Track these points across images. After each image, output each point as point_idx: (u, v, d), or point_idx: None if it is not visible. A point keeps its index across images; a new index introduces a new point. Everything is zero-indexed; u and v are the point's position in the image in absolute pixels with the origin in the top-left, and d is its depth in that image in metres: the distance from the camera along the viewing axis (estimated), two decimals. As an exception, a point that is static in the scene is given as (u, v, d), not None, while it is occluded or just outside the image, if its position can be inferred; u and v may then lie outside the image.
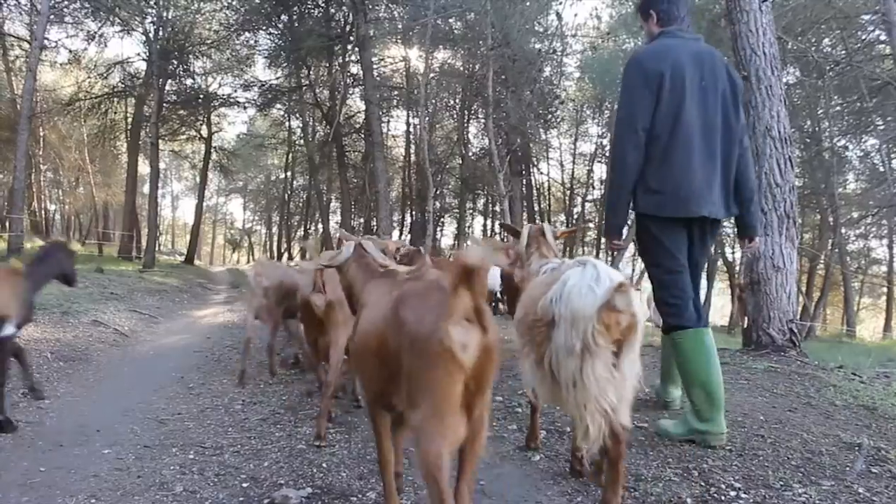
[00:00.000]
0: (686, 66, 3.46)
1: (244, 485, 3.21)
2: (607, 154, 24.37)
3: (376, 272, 2.92)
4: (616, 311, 2.46)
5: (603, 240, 23.13)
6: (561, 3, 16.14)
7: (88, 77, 22.40)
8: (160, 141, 22.40)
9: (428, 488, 1.91)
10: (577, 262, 2.76)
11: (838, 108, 18.27)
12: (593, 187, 25.74)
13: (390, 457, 2.62)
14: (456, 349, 1.90)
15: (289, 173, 32.43)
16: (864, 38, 15.78)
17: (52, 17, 17.61)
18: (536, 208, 25.46)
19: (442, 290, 2.05)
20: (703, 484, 3.08)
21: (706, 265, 3.67)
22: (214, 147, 27.30)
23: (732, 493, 2.95)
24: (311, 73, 22.97)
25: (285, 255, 32.59)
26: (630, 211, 3.71)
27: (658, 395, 4.32)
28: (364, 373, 2.55)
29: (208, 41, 22.39)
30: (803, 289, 20.14)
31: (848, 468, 3.20)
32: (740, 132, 3.60)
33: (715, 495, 2.95)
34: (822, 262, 21.15)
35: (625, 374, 2.58)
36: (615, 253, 3.20)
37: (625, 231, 3.95)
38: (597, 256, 26.13)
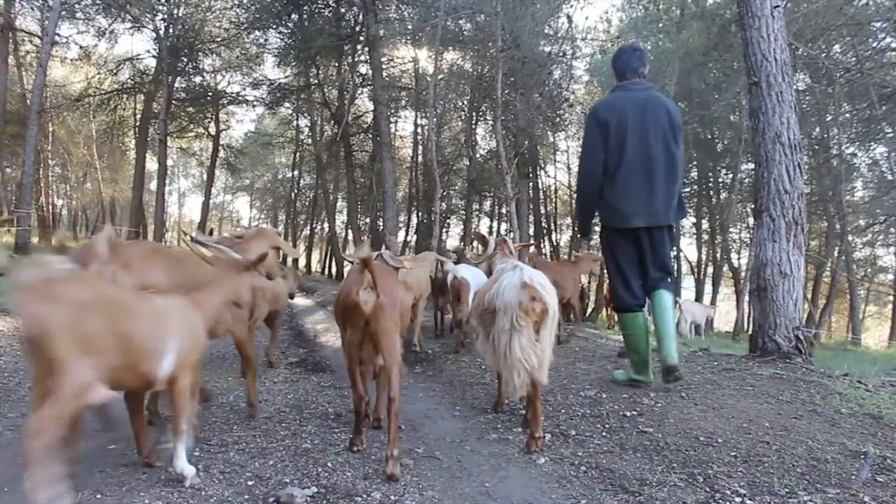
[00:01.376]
0: (630, 113, 4.63)
1: (249, 483, 3.22)
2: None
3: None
4: (532, 301, 3.64)
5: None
6: (571, 6, 16.12)
7: (98, 73, 22.47)
8: (168, 138, 22.44)
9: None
10: (511, 267, 3.99)
11: (848, 115, 18.23)
12: (600, 191, 25.74)
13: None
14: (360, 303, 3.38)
15: (296, 172, 32.47)
16: (874, 45, 15.74)
17: (63, 12, 17.69)
18: (543, 211, 25.41)
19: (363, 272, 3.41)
20: (707, 490, 3.08)
21: (667, 263, 4.56)
22: (222, 145, 27.32)
23: (738, 500, 2.95)
24: (320, 72, 23.01)
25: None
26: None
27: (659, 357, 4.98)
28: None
29: (218, 39, 22.44)
30: (809, 296, 20.08)
31: (853, 476, 3.19)
32: (679, 159, 4.74)
33: (720, 501, 2.95)
34: (828, 269, 21.09)
35: (543, 344, 3.74)
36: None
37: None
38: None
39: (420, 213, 25.40)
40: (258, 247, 4.27)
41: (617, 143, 4.61)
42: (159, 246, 5.28)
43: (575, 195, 5.38)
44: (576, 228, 4.60)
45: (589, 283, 27.19)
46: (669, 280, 4.92)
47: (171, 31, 20.61)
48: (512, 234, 4.50)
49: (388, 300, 3.46)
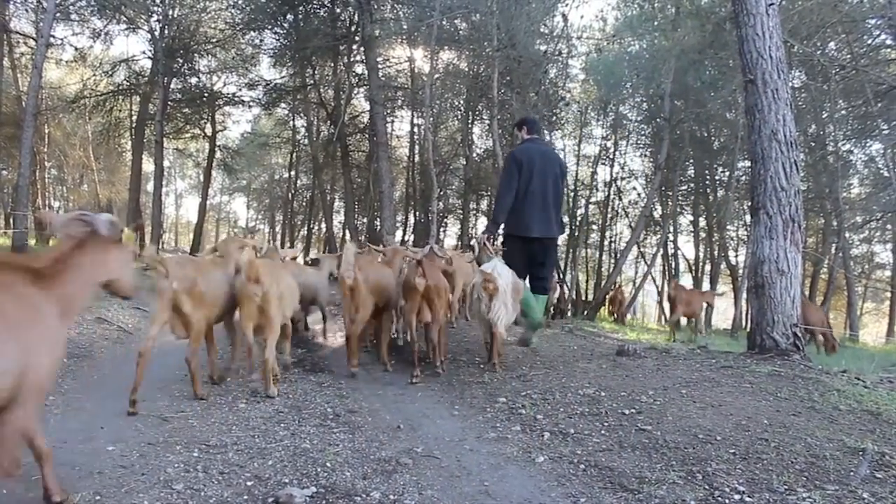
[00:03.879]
0: (535, 159, 6.61)
1: (248, 483, 3.22)
2: (611, 157, 24.38)
3: None
4: (487, 282, 5.89)
5: (606, 236, 25.75)
6: (567, 5, 16.15)
7: (94, 75, 22.38)
8: (164, 139, 22.38)
9: None
10: (488, 260, 6.37)
11: (843, 112, 18.23)
12: (597, 189, 25.67)
13: None
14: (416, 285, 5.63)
15: (292, 172, 32.35)
16: (869, 42, 15.75)
17: (58, 14, 17.60)
18: (540, 209, 25.40)
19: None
20: (706, 487, 3.08)
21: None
22: (218, 145, 27.21)
23: (736, 497, 2.96)
24: (315, 72, 22.98)
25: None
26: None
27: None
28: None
29: (213, 40, 22.36)
30: (806, 293, 20.09)
31: (852, 473, 3.20)
32: (561, 192, 7.04)
33: (719, 498, 2.95)
34: (825, 266, 21.10)
35: (496, 310, 5.95)
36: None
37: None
38: (600, 254, 26.29)
39: (417, 213, 25.36)
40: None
41: (526, 178, 6.55)
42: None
43: (494, 208, 7.11)
44: (486, 228, 5.86)
45: (587, 282, 27.27)
46: (543, 288, 6.98)
47: (166, 32, 20.53)
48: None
49: (432, 283, 5.72)
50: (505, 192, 6.59)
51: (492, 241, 6.87)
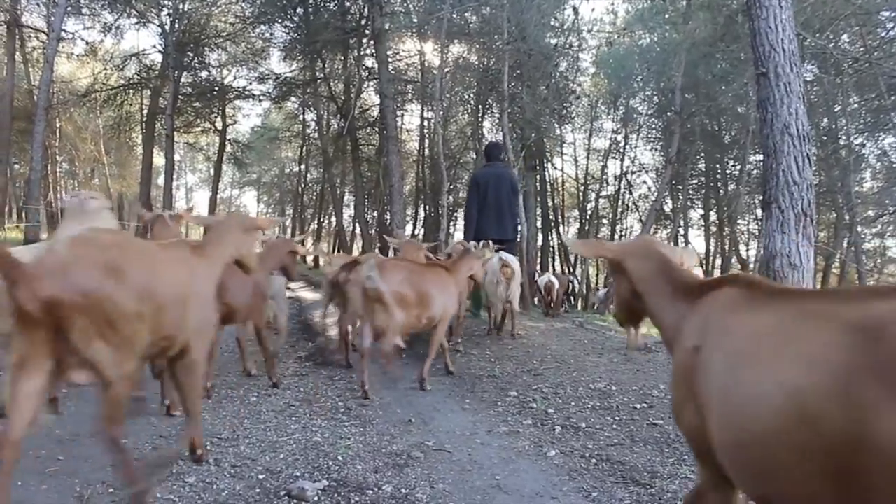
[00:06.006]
0: (490, 179, 8.30)
1: (260, 476, 3.23)
2: (621, 150, 24.34)
3: None
4: (504, 268, 6.94)
5: (617, 230, 26.13)
6: (578, -2, 16.08)
7: (105, 69, 22.43)
8: (175, 133, 22.47)
9: None
10: (495, 254, 6.93)
11: (856, 105, 18.11)
12: (607, 183, 25.63)
13: None
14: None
15: (303, 166, 32.37)
16: (883, 34, 15.62)
17: (69, 8, 17.70)
18: (550, 203, 25.38)
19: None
20: (719, 482, 3.07)
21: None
22: (229, 139, 27.29)
23: (749, 492, 2.94)
24: (326, 66, 22.95)
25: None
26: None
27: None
28: None
29: (224, 34, 22.42)
30: (818, 287, 19.98)
31: (865, 468, 3.18)
32: (514, 205, 8.59)
33: (731, 493, 2.94)
34: (837, 260, 20.99)
35: (512, 289, 7.07)
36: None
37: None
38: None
39: (427, 207, 25.33)
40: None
41: (484, 194, 8.25)
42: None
43: (464, 221, 8.82)
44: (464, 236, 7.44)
45: (597, 276, 27.25)
46: None
47: (176, 26, 20.60)
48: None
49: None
50: (470, 206, 8.45)
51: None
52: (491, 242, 7.30)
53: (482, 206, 8.29)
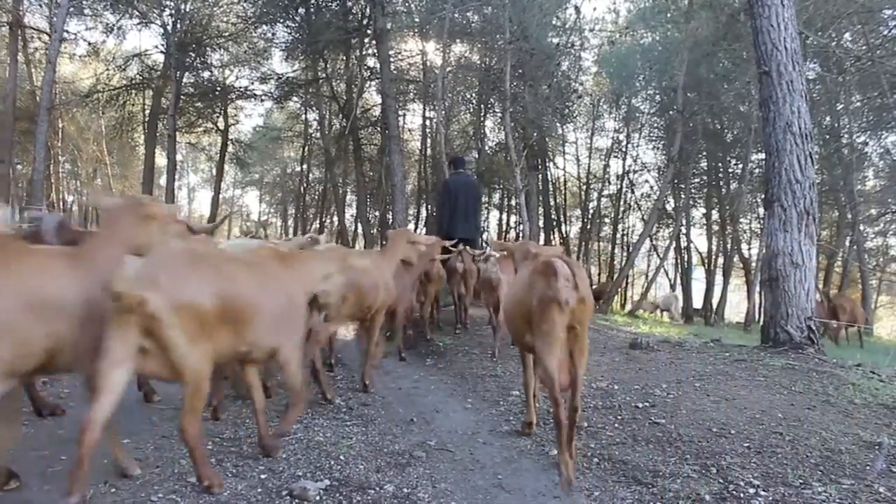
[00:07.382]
0: (461, 187, 9.35)
1: (262, 476, 3.24)
2: (623, 149, 24.30)
3: None
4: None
5: (619, 229, 25.93)
6: (579, -3, 16.06)
7: (107, 69, 22.41)
8: (177, 133, 22.45)
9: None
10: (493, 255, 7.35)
11: (858, 104, 18.08)
12: (609, 182, 25.58)
13: None
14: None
15: (305, 166, 32.30)
16: (885, 33, 15.60)
17: (71, 9, 17.71)
18: (552, 203, 25.34)
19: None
20: (721, 481, 3.08)
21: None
22: (231, 139, 27.25)
23: (751, 490, 2.95)
24: (328, 66, 22.92)
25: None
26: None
27: None
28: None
29: (226, 34, 22.39)
30: (820, 286, 19.96)
31: (868, 467, 3.18)
32: (478, 209, 9.96)
33: (734, 492, 2.94)
34: (840, 259, 20.96)
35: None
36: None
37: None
38: (612, 247, 26.27)
39: (429, 206, 25.32)
40: None
41: (455, 199, 9.25)
42: None
43: (437, 220, 10.08)
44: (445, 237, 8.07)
45: (599, 275, 27.21)
46: None
47: (178, 26, 20.61)
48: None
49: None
50: (443, 208, 9.67)
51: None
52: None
53: (453, 209, 9.33)
